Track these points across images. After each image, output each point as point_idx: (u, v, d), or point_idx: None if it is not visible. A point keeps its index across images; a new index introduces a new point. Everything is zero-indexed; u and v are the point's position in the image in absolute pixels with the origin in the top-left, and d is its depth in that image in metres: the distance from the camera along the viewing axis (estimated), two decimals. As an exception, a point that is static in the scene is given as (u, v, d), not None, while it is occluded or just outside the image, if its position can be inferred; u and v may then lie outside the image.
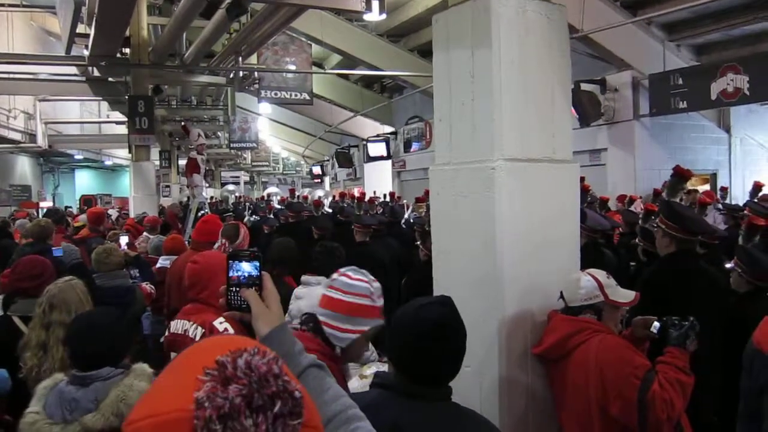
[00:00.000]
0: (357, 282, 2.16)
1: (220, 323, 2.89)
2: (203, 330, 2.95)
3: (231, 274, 1.53)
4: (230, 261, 1.54)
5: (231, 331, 2.80)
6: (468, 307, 3.11)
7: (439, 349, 1.88)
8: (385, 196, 16.29)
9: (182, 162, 20.22)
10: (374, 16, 8.31)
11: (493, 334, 2.96)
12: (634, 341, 2.88)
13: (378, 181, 22.50)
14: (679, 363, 2.65)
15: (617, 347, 2.70)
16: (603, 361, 2.65)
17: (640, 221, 6.95)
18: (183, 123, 14.73)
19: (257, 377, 0.86)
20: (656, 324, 2.81)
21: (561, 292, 2.93)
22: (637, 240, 5.53)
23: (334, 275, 2.21)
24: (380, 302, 2.18)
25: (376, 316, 2.16)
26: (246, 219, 11.86)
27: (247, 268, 1.52)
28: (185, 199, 15.28)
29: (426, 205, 11.97)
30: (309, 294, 3.66)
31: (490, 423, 1.99)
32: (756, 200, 8.72)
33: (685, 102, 10.74)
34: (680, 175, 6.41)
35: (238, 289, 1.51)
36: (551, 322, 2.95)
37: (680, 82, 10.73)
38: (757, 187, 9.75)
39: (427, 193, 12.89)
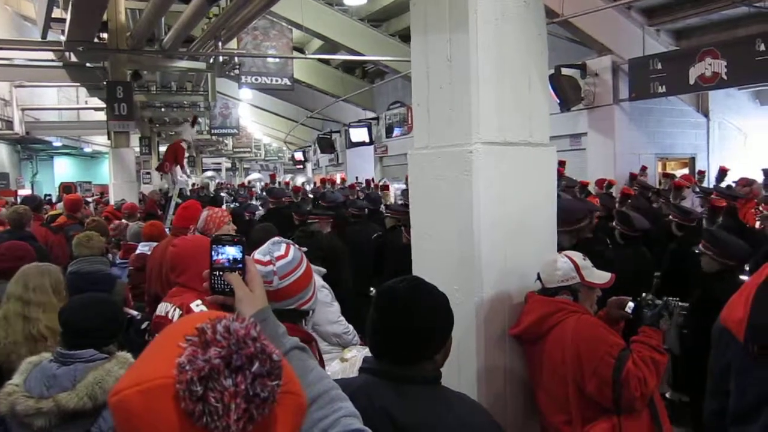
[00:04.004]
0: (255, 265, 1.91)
1: (197, 305, 2.92)
2: (181, 311, 2.98)
3: (214, 258, 1.54)
4: (213, 245, 1.55)
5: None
6: (446, 290, 3.13)
7: (403, 325, 1.87)
8: (366, 182, 16.29)
9: (162, 149, 20.08)
10: (355, 0, 8.27)
11: (471, 316, 2.99)
12: (609, 321, 2.94)
13: (360, 166, 22.49)
14: (652, 342, 2.72)
15: (593, 326, 2.75)
16: (579, 340, 2.70)
17: (617, 205, 7.05)
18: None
19: (236, 339, 0.89)
20: (631, 304, 2.88)
21: (538, 274, 2.97)
22: (614, 223, 5.61)
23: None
24: (283, 283, 2.05)
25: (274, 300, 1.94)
26: (225, 205, 11.81)
27: (230, 252, 1.54)
28: (165, 186, 15.18)
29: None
30: None
31: (479, 405, 2.00)
32: (734, 182, 8.84)
33: (664, 86, 10.81)
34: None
35: (221, 273, 1.53)
36: (528, 303, 2.99)
37: (659, 66, 10.80)
38: (722, 171, 9.89)
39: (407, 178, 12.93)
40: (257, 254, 2.10)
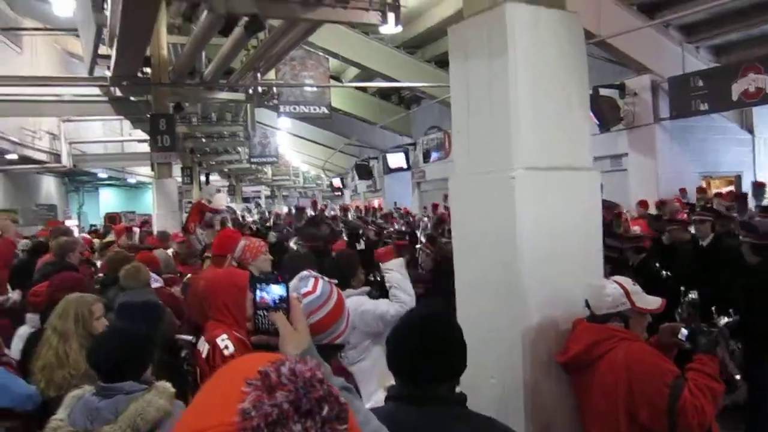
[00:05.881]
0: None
1: (222, 340, 2.99)
2: (209, 347, 3.04)
3: (258, 297, 1.53)
4: (257, 284, 1.54)
5: (231, 348, 2.93)
6: (491, 317, 3.12)
7: (421, 344, 1.94)
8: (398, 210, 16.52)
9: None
10: (390, 28, 8.35)
11: (517, 343, 2.95)
12: (661, 348, 2.86)
13: (398, 191, 22.53)
14: (708, 370, 2.63)
15: (646, 354, 2.68)
16: (631, 369, 2.63)
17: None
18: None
19: (302, 382, 0.85)
20: (684, 331, 2.79)
21: (586, 300, 2.91)
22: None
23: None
24: (311, 320, 2.00)
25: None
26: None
27: (274, 290, 1.53)
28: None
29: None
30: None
31: (509, 429, 1.99)
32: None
33: (706, 104, 10.61)
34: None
35: (265, 312, 1.52)
36: (576, 330, 2.93)
37: (700, 83, 10.62)
38: (759, 186, 9.63)
39: (435, 206, 12.96)
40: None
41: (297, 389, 0.84)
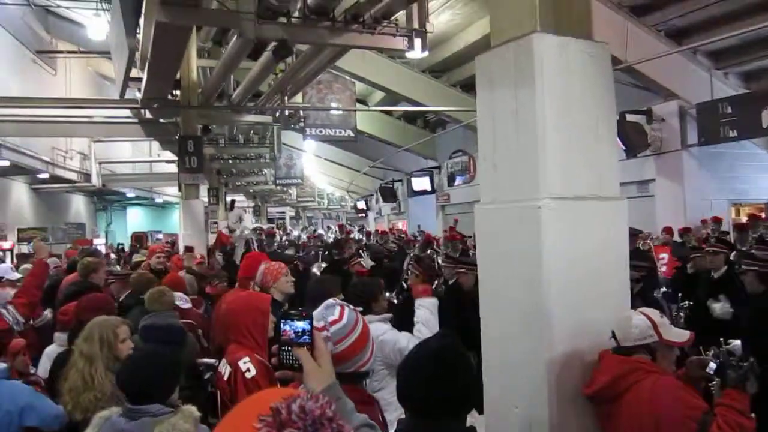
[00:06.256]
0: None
1: (244, 363, 3.01)
2: (231, 369, 3.05)
3: (282, 332, 1.55)
4: (282, 320, 1.56)
5: (253, 371, 2.95)
6: (516, 346, 3.10)
7: (434, 373, 1.92)
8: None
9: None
10: (417, 53, 8.43)
11: (542, 374, 2.92)
12: (689, 382, 2.81)
13: (422, 214, 22.52)
14: (738, 405, 2.57)
15: (672, 388, 2.63)
16: (658, 403, 2.59)
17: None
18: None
19: (311, 420, 0.87)
20: (712, 365, 2.74)
21: (612, 332, 2.87)
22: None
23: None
24: (338, 348, 2.07)
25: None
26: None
27: (298, 325, 1.54)
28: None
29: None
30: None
31: None
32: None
33: (735, 130, 10.47)
34: None
35: (290, 348, 1.53)
36: (602, 362, 2.89)
37: (729, 110, 10.50)
38: None
39: (452, 229, 12.99)
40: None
41: (305, 426, 0.86)
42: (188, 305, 5.45)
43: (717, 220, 11.12)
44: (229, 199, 20.63)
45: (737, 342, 3.13)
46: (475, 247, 6.36)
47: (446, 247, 11.46)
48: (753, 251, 5.85)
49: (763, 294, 4.94)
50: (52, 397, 3.38)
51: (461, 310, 4.99)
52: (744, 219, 12.23)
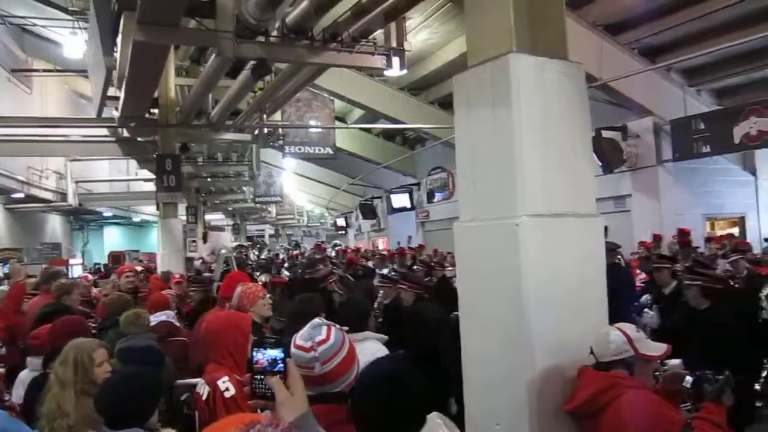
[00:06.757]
0: (297, 351, 2.06)
1: (223, 382, 2.97)
2: (209, 389, 3.01)
3: (255, 361, 1.53)
4: (255, 348, 1.54)
5: (232, 390, 2.90)
6: (497, 364, 3.11)
7: (382, 397, 1.87)
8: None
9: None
10: (395, 72, 8.50)
11: (523, 390, 2.93)
12: (667, 396, 2.84)
13: (402, 231, 22.54)
14: (715, 419, 2.60)
15: (650, 404, 2.66)
16: (635, 418, 2.60)
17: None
18: None
19: None
20: (689, 378, 2.77)
21: (591, 348, 2.90)
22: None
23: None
24: (325, 368, 2.07)
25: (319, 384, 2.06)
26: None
27: (272, 354, 1.52)
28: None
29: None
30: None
31: None
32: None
33: (708, 146, 10.69)
34: None
35: (263, 377, 1.51)
36: (582, 378, 2.91)
37: (702, 126, 10.71)
38: None
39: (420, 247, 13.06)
40: (298, 339, 2.09)
41: None
42: (173, 321, 5.41)
43: (657, 238, 11.17)
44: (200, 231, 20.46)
45: (677, 361, 3.13)
46: (453, 265, 6.37)
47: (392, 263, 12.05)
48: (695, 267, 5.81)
49: (710, 309, 4.90)
50: (28, 422, 3.32)
51: (402, 329, 4.89)
52: (718, 233, 12.43)
